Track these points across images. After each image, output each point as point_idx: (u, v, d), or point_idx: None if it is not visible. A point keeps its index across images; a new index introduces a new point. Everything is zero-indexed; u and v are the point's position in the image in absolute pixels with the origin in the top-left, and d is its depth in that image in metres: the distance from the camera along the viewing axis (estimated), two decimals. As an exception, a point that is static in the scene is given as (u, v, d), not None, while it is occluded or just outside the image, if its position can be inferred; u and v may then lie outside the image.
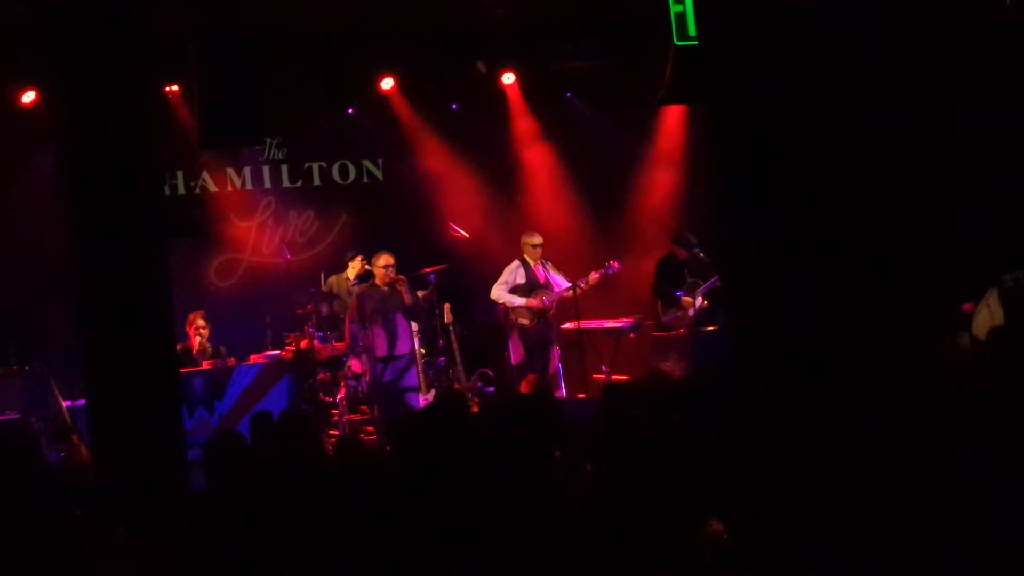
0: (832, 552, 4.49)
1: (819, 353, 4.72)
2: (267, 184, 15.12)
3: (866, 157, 4.78)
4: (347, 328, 13.07)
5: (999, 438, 4.98)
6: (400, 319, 13.02)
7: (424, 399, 12.82)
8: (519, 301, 13.65)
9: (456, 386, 13.06)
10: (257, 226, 15.16)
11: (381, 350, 12.89)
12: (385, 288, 12.99)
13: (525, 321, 13.65)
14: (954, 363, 6.96)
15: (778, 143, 4.70)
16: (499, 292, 13.76)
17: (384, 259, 13.03)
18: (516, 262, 13.81)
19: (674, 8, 10.08)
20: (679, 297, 13.58)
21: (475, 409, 12.75)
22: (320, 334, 13.33)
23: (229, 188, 15.00)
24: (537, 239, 13.83)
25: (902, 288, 4.80)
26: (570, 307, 13.61)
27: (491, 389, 13.85)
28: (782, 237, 4.68)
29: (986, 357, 7.59)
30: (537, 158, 15.63)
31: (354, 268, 14.06)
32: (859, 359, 4.70)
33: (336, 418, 12.94)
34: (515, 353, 13.80)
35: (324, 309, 13.70)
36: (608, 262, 13.54)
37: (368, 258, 13.56)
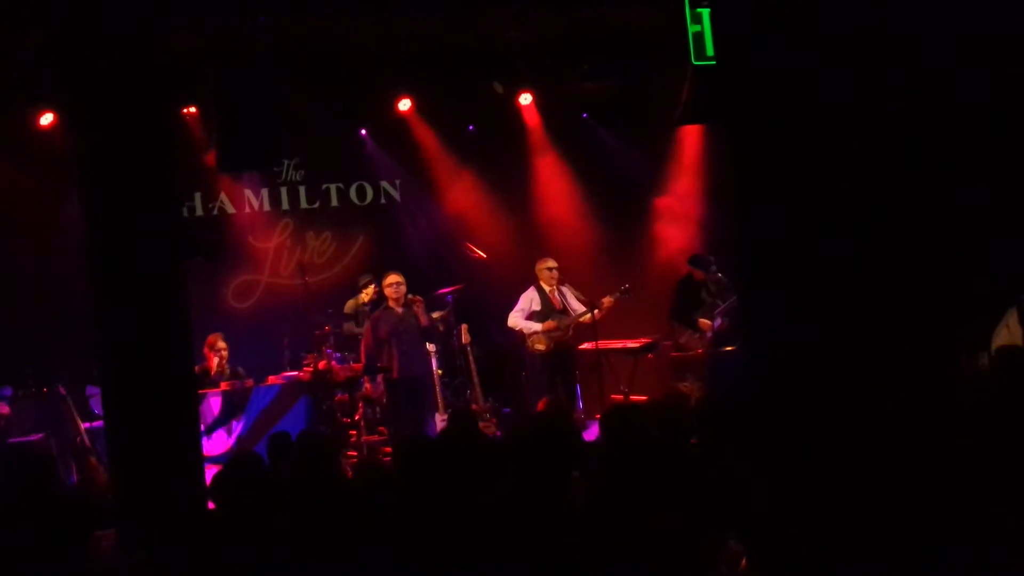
0: (849, 573, 4.48)
1: (837, 373, 4.71)
2: (285, 206, 15.14)
3: (888, 175, 4.77)
4: (363, 352, 13.08)
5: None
6: (416, 340, 13.03)
7: (442, 420, 12.79)
8: (535, 327, 13.63)
9: (473, 407, 13.04)
10: (275, 247, 15.18)
11: (397, 372, 12.90)
12: (400, 310, 13.00)
13: (541, 347, 13.63)
14: (973, 382, 6.95)
15: (798, 162, 4.70)
16: (515, 319, 13.75)
17: (391, 278, 13.09)
18: (532, 288, 13.81)
19: (692, 28, 10.10)
20: (696, 320, 13.55)
21: (493, 430, 12.77)
22: (338, 355, 13.33)
23: (247, 209, 15.02)
24: (551, 263, 13.83)
25: (924, 306, 4.78)
26: (588, 328, 13.62)
27: (508, 410, 13.84)
28: (801, 256, 4.67)
29: (995, 375, 7.58)
30: (554, 178, 15.64)
31: (367, 294, 14.06)
32: (878, 379, 4.69)
33: (354, 439, 12.93)
34: (535, 376, 13.79)
35: (346, 328, 13.75)
36: (623, 285, 13.52)
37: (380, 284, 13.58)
